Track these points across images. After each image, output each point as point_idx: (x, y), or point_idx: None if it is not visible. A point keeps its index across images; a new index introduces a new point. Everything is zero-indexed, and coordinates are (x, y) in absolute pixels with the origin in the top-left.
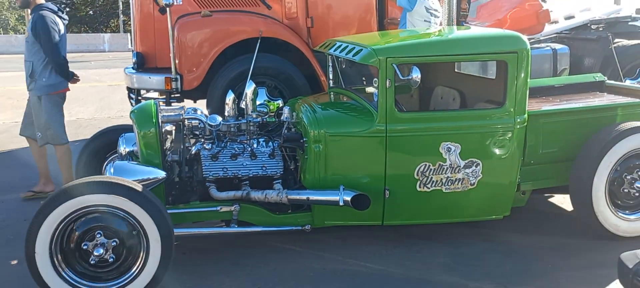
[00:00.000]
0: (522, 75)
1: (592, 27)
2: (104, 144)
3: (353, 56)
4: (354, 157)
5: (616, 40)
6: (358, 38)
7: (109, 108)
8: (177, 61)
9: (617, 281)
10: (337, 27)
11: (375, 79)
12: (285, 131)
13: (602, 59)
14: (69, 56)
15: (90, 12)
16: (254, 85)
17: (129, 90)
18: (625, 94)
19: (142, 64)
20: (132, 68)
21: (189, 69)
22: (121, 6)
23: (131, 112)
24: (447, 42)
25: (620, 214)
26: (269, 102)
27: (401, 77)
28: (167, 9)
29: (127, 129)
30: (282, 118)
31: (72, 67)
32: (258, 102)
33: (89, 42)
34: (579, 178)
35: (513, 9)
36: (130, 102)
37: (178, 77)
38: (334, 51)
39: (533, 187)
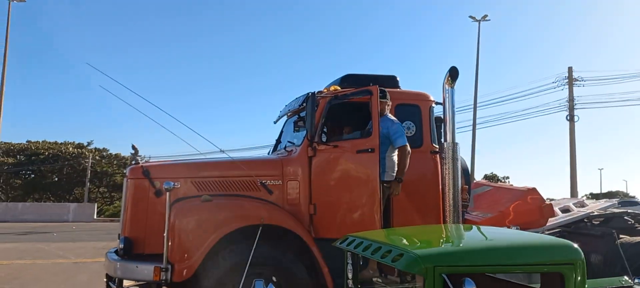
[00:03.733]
0: (581, 285)
1: (592, 221)
2: None
3: (392, 262)
4: None
5: (621, 236)
6: (387, 236)
7: None
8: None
9: None
10: (341, 215)
11: (419, 285)
12: None
13: (607, 255)
14: (31, 226)
15: (56, 179)
16: None
17: (109, 278)
18: None
19: (129, 250)
20: (115, 252)
21: (182, 257)
22: (89, 174)
23: None
24: (502, 250)
25: None
26: None
27: None
28: (168, 192)
29: None
30: None
31: (33, 239)
32: None
33: (53, 212)
34: None
35: (515, 202)
36: None
37: (169, 266)
38: (363, 251)
39: None
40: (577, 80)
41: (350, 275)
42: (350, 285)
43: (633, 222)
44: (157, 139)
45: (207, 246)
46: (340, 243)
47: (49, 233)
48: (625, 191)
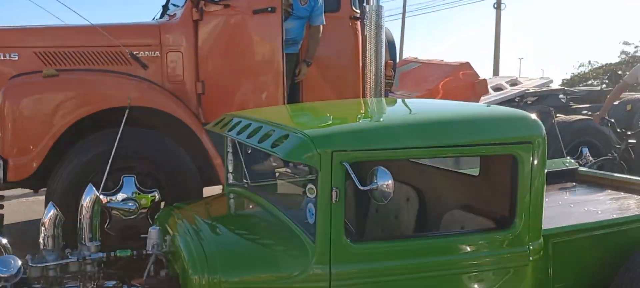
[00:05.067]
0: (538, 176)
1: (526, 100)
2: None
3: (272, 147)
4: None
5: (557, 115)
6: (276, 113)
7: None
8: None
9: None
10: (238, 95)
11: (310, 186)
12: (150, 274)
13: None
14: None
15: None
16: (92, 195)
17: None
18: (609, 187)
19: None
20: None
21: (20, 151)
22: None
23: None
24: (429, 127)
25: None
26: (139, 194)
27: (359, 186)
28: None
29: None
30: (147, 248)
31: None
32: (124, 196)
33: None
34: None
35: (445, 78)
36: None
37: (1, 162)
38: (237, 134)
39: None
40: None
41: (230, 167)
42: (230, 181)
43: (568, 100)
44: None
45: (52, 135)
46: (213, 125)
47: None
48: None
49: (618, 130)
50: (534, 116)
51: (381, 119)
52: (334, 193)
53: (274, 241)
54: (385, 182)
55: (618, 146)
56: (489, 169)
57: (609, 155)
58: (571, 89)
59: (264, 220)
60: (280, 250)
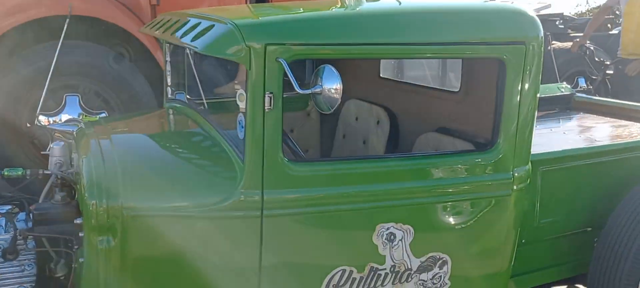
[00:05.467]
0: (530, 87)
1: None
2: None
3: (192, 41)
4: (188, 261)
5: (553, 42)
6: (222, 10)
7: None
8: None
9: None
10: (196, 4)
11: (240, 91)
12: (45, 199)
13: None
14: None
15: None
16: None
17: None
18: (608, 114)
19: None
20: None
21: None
22: None
23: None
24: (398, 19)
25: None
26: (85, 116)
27: (298, 89)
28: None
29: None
30: (49, 167)
31: None
32: (68, 117)
33: None
34: (608, 264)
35: None
36: None
37: None
38: (163, 32)
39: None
40: None
41: (169, 79)
42: (169, 96)
43: (566, 27)
44: None
45: None
46: (149, 27)
47: None
48: None
49: (596, 59)
50: (530, 12)
51: (335, 9)
52: (267, 99)
53: (203, 163)
54: (332, 85)
55: (594, 77)
56: (471, 80)
57: (582, 86)
58: (570, 15)
59: (200, 140)
60: (206, 173)
